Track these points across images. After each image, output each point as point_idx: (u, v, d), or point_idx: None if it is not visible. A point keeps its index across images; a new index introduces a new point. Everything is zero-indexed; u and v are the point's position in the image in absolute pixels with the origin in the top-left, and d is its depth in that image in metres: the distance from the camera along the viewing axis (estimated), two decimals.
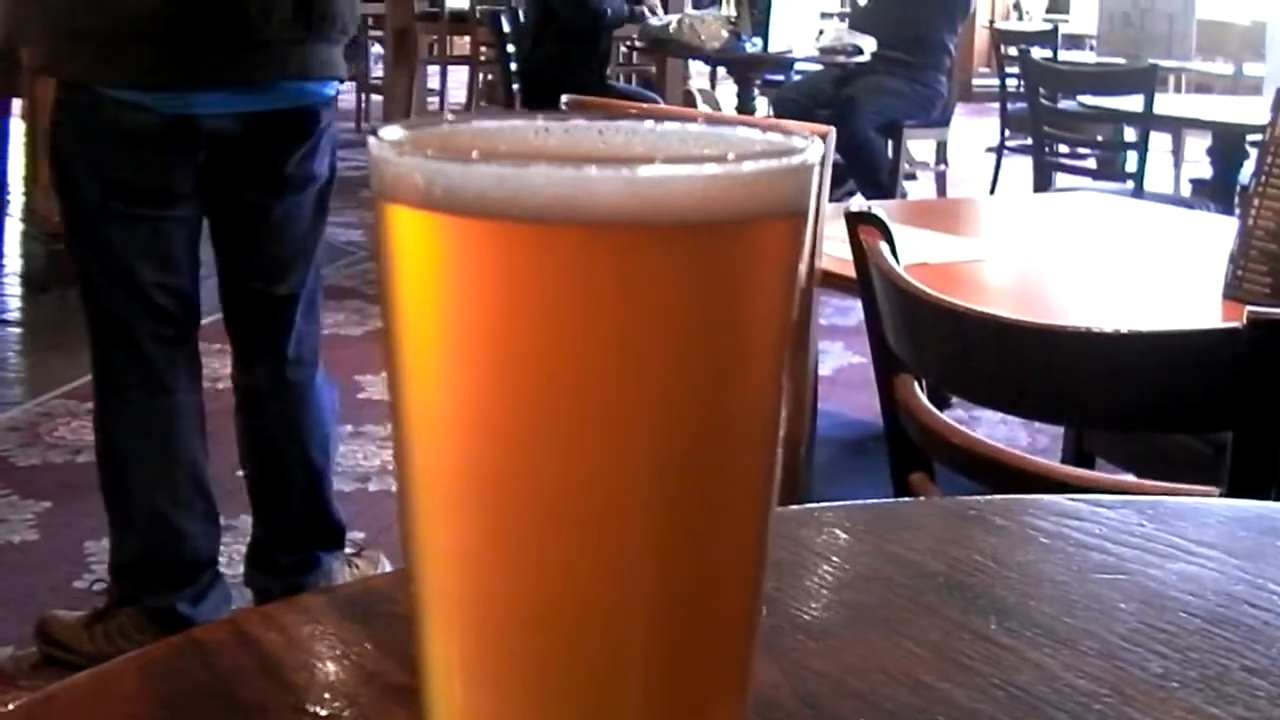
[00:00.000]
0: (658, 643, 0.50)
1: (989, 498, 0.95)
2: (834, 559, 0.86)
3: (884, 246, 2.01)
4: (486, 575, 0.50)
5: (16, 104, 6.89)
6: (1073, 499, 0.95)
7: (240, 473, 3.33)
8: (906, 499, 1.90)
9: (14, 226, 6.97)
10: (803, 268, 0.50)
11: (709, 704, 0.53)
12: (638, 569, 0.49)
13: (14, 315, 6.12)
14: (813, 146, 0.48)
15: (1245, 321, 1.62)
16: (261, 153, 2.93)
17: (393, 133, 0.50)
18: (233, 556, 3.53)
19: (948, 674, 0.72)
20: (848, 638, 0.77)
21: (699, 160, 0.46)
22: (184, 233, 2.94)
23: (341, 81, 3.04)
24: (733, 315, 0.48)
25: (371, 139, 0.49)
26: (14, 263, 6.71)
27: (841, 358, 5.48)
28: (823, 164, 2.19)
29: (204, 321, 3.15)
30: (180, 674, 0.71)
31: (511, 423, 0.47)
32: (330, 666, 0.72)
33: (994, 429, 4.36)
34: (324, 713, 0.67)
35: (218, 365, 3.82)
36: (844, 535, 0.89)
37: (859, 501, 0.94)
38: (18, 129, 6.91)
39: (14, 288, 6.45)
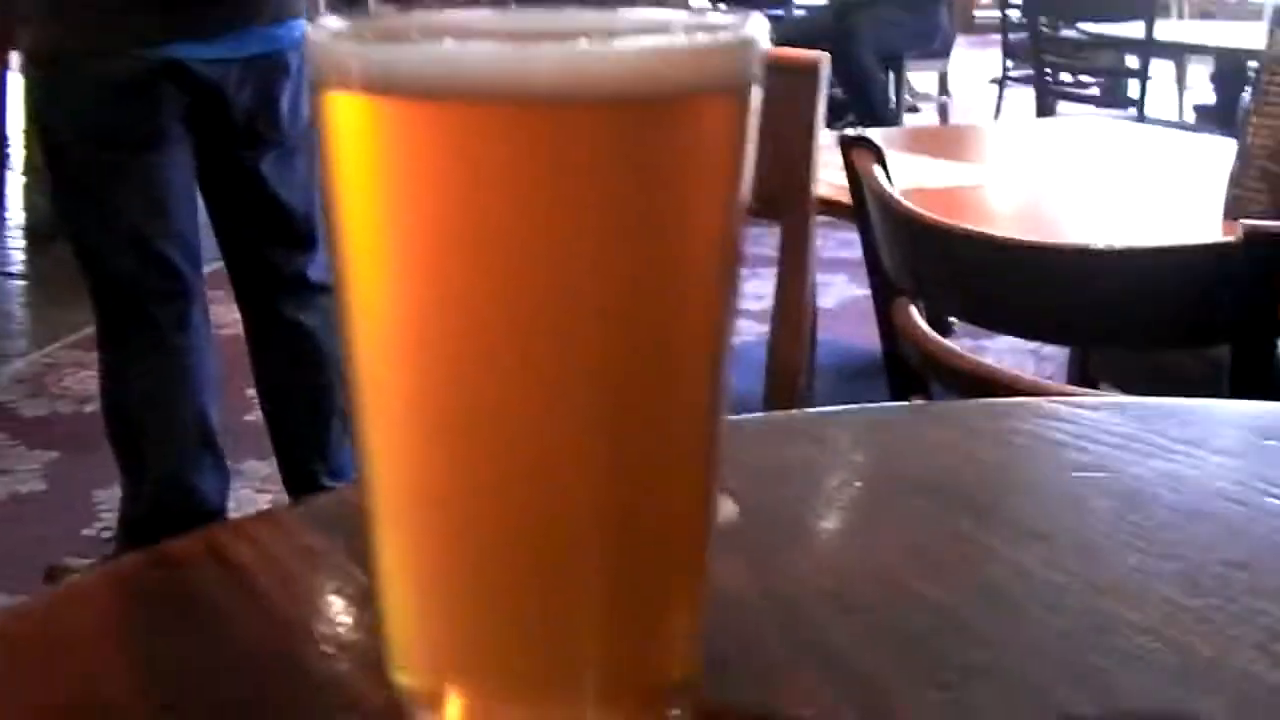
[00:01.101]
0: (609, 534, 0.50)
1: (969, 402, 0.95)
2: (811, 462, 0.86)
3: (877, 169, 2.00)
4: (432, 475, 0.50)
5: (15, 56, 6.86)
6: (1053, 401, 0.94)
7: (249, 417, 3.32)
8: (884, 403, 1.90)
9: (15, 179, 6.95)
10: (750, 155, 0.50)
11: (664, 597, 0.52)
12: (586, 456, 0.48)
13: (18, 268, 6.12)
14: (752, 21, 0.48)
15: (1240, 235, 1.62)
16: (250, 105, 2.92)
17: (332, 20, 0.49)
18: (239, 502, 3.54)
19: (921, 572, 0.71)
20: (822, 538, 0.77)
21: (635, 33, 0.45)
22: (178, 179, 2.93)
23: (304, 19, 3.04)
24: (673, 192, 0.47)
25: (309, 27, 0.48)
26: (16, 215, 6.70)
27: (845, 290, 5.47)
28: (818, 90, 2.18)
29: (206, 270, 3.15)
30: (150, 588, 0.70)
31: (451, 305, 0.47)
32: (301, 577, 0.72)
33: (1000, 358, 4.34)
34: (294, 622, 0.67)
35: (223, 312, 3.82)
36: (821, 439, 0.89)
37: (836, 407, 0.94)
38: (16, 81, 6.88)
39: (17, 240, 6.45)
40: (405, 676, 0.53)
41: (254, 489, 3.66)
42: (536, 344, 0.47)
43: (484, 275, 0.46)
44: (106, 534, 3.37)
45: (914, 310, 1.98)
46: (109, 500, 3.59)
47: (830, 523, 0.80)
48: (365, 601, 0.66)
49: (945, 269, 1.93)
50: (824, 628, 0.66)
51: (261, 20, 2.88)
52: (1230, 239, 1.64)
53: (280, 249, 3.09)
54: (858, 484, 0.84)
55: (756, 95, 0.49)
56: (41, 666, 0.64)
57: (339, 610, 0.68)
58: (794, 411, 0.93)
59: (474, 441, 0.48)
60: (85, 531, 3.51)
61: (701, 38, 0.46)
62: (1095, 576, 0.71)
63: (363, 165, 0.47)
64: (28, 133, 6.52)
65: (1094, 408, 0.93)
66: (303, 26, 2.99)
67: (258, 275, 3.13)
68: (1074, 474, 0.83)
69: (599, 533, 0.49)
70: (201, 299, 3.05)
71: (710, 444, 0.52)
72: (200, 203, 3.05)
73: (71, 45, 2.80)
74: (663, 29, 0.47)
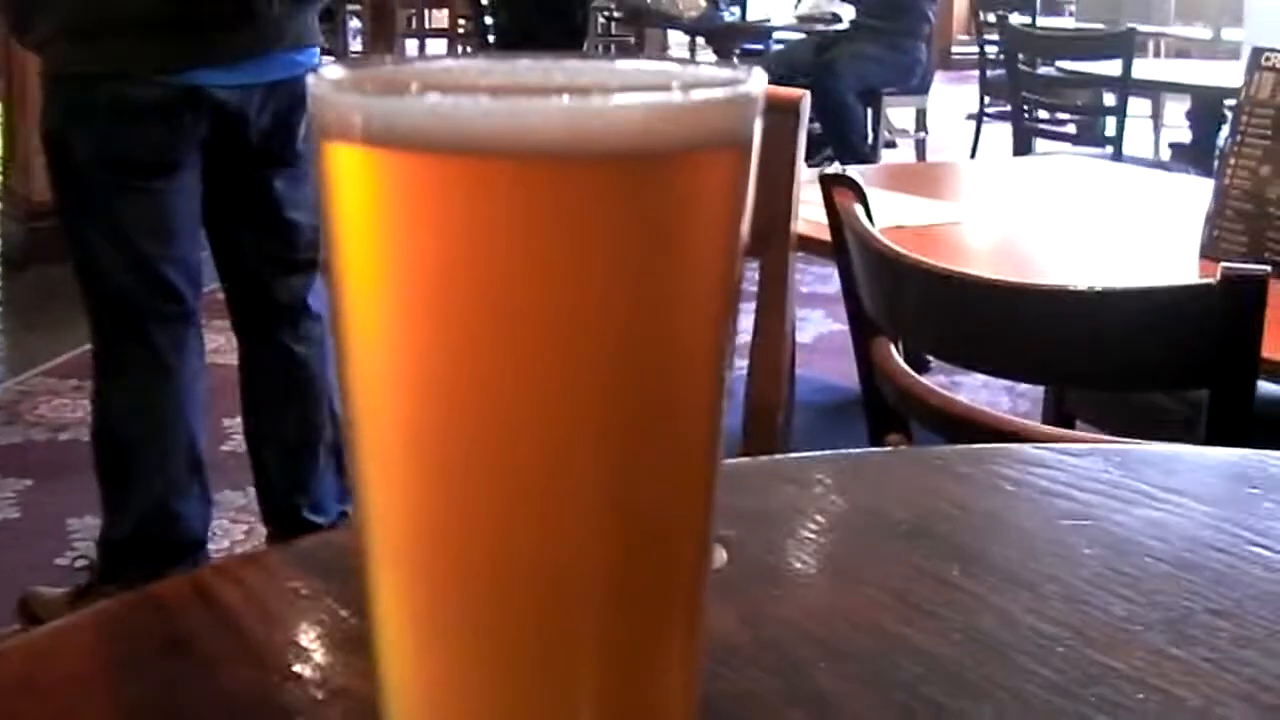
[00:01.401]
0: (608, 584, 0.50)
1: (955, 447, 0.95)
2: (799, 507, 0.86)
3: (858, 208, 2.01)
4: (427, 516, 0.49)
5: None
6: (1039, 447, 0.94)
7: (225, 447, 3.30)
8: (872, 448, 1.90)
9: None
10: (749, 206, 0.50)
11: (662, 647, 0.52)
12: (584, 506, 0.48)
13: None
14: (753, 77, 0.48)
15: (1219, 278, 1.62)
16: (267, 127, 2.95)
17: (333, 71, 0.49)
18: (214, 532, 3.53)
19: (909, 619, 0.71)
20: (809, 584, 0.77)
21: (635, 90, 0.45)
22: (187, 205, 2.95)
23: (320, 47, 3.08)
24: (674, 246, 0.47)
25: (311, 77, 0.48)
26: None
27: (822, 325, 5.49)
28: (799, 127, 2.19)
29: None
30: (137, 630, 0.70)
31: (451, 357, 0.47)
32: (288, 620, 0.71)
33: (975, 394, 4.36)
34: (282, 667, 0.67)
35: (207, 341, 3.81)
36: (809, 484, 0.89)
37: (824, 452, 0.94)
38: None
39: None
40: None
41: (229, 519, 3.65)
42: (535, 396, 0.47)
43: (484, 328, 0.46)
44: (80, 563, 3.35)
45: (893, 349, 1.99)
46: (82, 529, 3.57)
47: (818, 569, 0.80)
48: (354, 646, 0.66)
49: (924, 307, 1.94)
50: (814, 675, 0.66)
51: (283, 46, 2.92)
52: (1209, 281, 1.65)
53: (281, 273, 3.09)
54: (845, 530, 0.84)
55: (756, 147, 0.49)
56: (24, 710, 0.64)
57: (328, 655, 0.68)
58: (779, 456, 0.93)
59: (472, 489, 0.48)
60: (59, 561, 3.49)
61: (704, 94, 0.46)
62: (1083, 625, 0.71)
63: (363, 216, 0.47)
64: (4, 158, 6.52)
65: (1079, 454, 0.93)
66: (318, 54, 3.04)
67: (257, 300, 3.13)
68: (1060, 521, 0.83)
69: (598, 580, 0.49)
70: (198, 327, 3.06)
71: (708, 490, 0.52)
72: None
73: (95, 67, 2.82)
74: (663, 84, 0.47)
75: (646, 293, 0.47)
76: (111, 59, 2.81)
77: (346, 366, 0.50)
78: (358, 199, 0.47)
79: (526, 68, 0.52)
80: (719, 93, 0.47)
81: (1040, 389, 3.35)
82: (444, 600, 0.51)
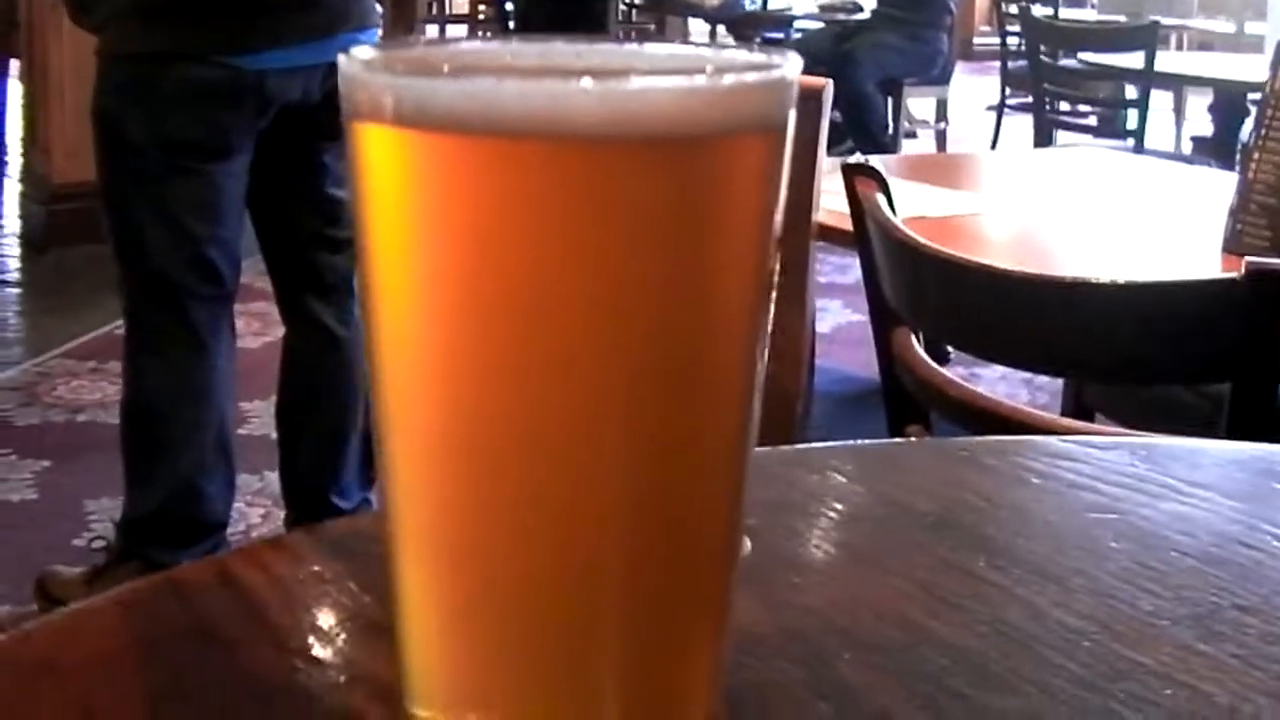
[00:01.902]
0: (635, 570, 0.49)
1: (980, 439, 0.94)
2: (823, 497, 0.85)
3: (880, 198, 2.00)
4: (459, 505, 0.49)
5: (14, 65, 6.86)
6: (1064, 440, 0.94)
7: (242, 430, 3.29)
8: (898, 439, 1.90)
9: (12, 188, 6.95)
10: (783, 192, 0.49)
11: (687, 636, 0.52)
12: (613, 493, 0.48)
13: (12, 276, 6.11)
14: (789, 62, 0.47)
15: (1244, 273, 1.61)
16: (323, 105, 2.96)
17: (364, 52, 0.49)
18: (232, 515, 3.53)
19: (935, 611, 0.71)
20: (834, 574, 0.76)
21: (671, 73, 0.45)
22: (236, 187, 2.97)
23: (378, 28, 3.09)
24: (709, 230, 0.47)
25: (342, 57, 0.48)
26: (12, 223, 6.68)
27: (840, 315, 5.48)
28: (821, 116, 2.18)
29: None
30: (160, 612, 0.70)
31: (480, 341, 0.46)
32: (312, 605, 0.71)
33: (993, 386, 4.35)
34: (305, 651, 0.66)
35: (241, 325, 3.80)
36: (833, 474, 0.88)
37: (850, 442, 0.93)
38: (15, 90, 6.89)
39: (12, 248, 6.43)
40: (421, 709, 0.53)
41: (245, 503, 3.65)
42: (566, 378, 0.46)
43: (515, 310, 0.46)
44: (97, 544, 3.36)
45: (914, 340, 1.98)
46: (99, 510, 3.58)
47: (842, 559, 0.79)
48: (378, 631, 0.66)
49: (944, 299, 1.93)
50: (838, 666, 0.65)
51: (347, 28, 2.94)
52: (1233, 275, 1.64)
53: (326, 251, 3.10)
54: (869, 520, 0.84)
55: (790, 132, 0.49)
56: (45, 691, 0.64)
57: (350, 640, 0.67)
58: (800, 445, 0.93)
59: (501, 471, 0.48)
60: (76, 542, 3.50)
61: (739, 78, 0.46)
62: (1110, 620, 0.71)
63: (393, 198, 0.47)
64: (25, 140, 6.53)
65: (1105, 448, 0.93)
66: (376, 34, 3.05)
67: (302, 280, 3.14)
68: (1087, 514, 0.83)
69: (626, 566, 0.49)
70: (232, 309, 3.06)
71: (739, 481, 0.51)
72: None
73: (163, 47, 2.83)
74: (698, 67, 0.47)
75: (679, 276, 0.46)
76: (181, 39, 2.82)
77: (376, 349, 0.50)
78: (388, 180, 0.47)
79: (559, 51, 0.51)
80: (754, 76, 0.47)
81: (1059, 382, 3.34)
82: (470, 584, 0.50)
